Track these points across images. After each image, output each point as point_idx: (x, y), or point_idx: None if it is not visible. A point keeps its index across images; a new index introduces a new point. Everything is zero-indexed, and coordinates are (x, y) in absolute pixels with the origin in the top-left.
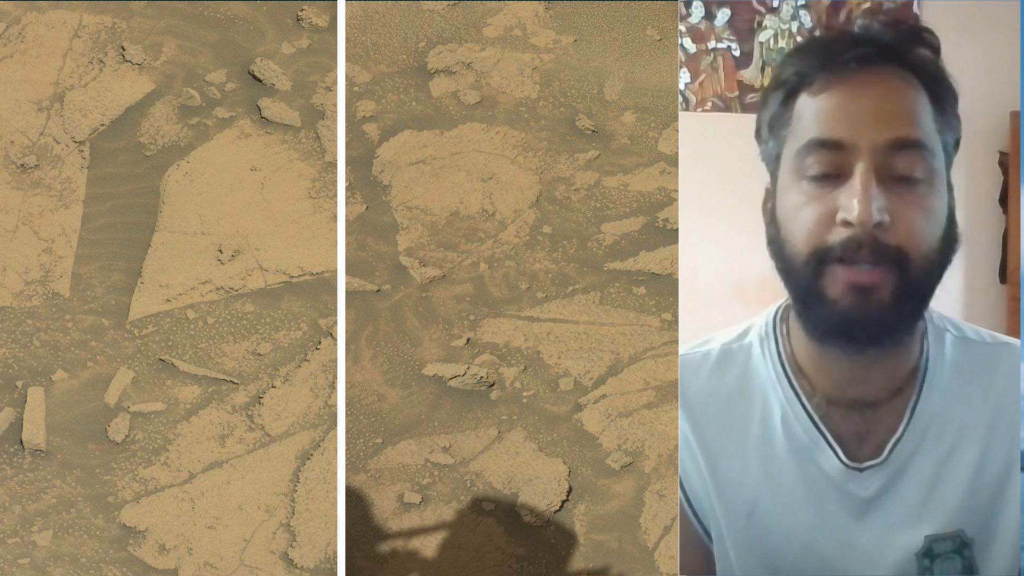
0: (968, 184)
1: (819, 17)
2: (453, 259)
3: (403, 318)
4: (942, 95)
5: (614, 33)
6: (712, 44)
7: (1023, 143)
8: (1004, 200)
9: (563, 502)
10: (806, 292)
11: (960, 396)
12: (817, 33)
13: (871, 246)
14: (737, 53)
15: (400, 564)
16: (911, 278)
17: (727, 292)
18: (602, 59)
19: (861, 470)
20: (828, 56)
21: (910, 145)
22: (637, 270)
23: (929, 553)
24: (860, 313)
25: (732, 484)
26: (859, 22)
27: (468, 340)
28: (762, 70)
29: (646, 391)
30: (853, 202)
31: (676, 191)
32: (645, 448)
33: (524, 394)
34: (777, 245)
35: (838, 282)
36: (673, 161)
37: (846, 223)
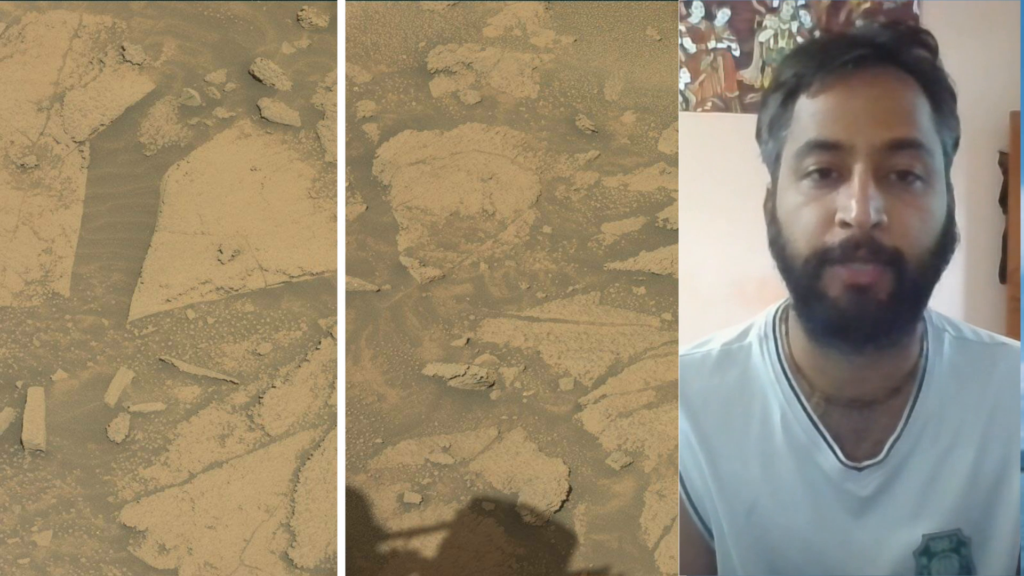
0: (968, 184)
1: (819, 17)
2: (453, 259)
3: (403, 318)
4: (940, 95)
5: (614, 33)
6: (712, 44)
7: (1023, 143)
8: (1004, 200)
9: (563, 502)
10: (806, 292)
11: (958, 396)
12: (817, 33)
13: (869, 246)
14: (737, 53)
15: (400, 564)
16: (909, 278)
17: (727, 292)
18: (602, 59)
19: (859, 469)
20: (825, 58)
21: (908, 145)
22: (637, 270)
23: (927, 551)
24: (859, 312)
25: (732, 483)
26: (857, 23)
27: (468, 340)
28: (762, 70)
29: (646, 391)
30: (851, 203)
31: (676, 191)
32: (645, 448)
33: (524, 394)
34: (778, 246)
35: (838, 282)
36: (673, 161)
37: (844, 224)
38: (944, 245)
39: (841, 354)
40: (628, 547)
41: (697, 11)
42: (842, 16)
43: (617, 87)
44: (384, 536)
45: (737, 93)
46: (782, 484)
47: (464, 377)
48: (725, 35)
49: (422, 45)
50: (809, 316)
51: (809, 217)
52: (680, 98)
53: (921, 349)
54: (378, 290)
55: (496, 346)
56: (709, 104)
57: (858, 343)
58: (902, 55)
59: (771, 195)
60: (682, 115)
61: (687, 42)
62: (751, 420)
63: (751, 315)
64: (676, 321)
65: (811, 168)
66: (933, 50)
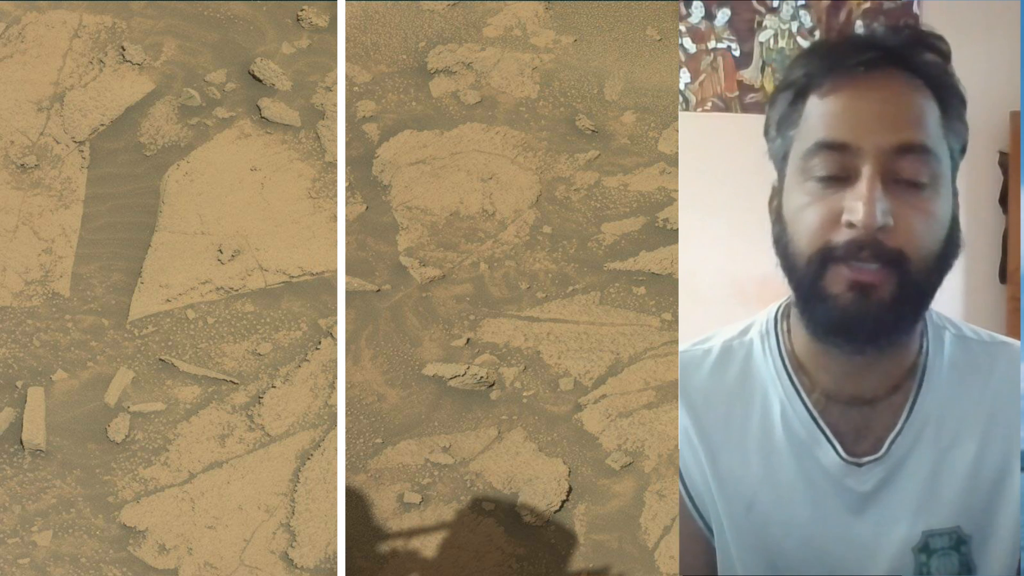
0: (968, 184)
1: (819, 17)
2: (453, 259)
3: (403, 318)
4: (949, 100)
5: (614, 33)
6: (712, 44)
7: (1023, 143)
8: (1004, 200)
9: (563, 502)
10: (808, 290)
11: (958, 394)
12: (817, 33)
13: (873, 248)
14: (737, 53)
15: (400, 564)
16: (911, 280)
17: (727, 292)
18: (602, 59)
19: (859, 465)
20: (836, 59)
21: (915, 149)
22: (637, 270)
23: (926, 548)
24: (860, 311)
25: (732, 478)
26: (862, 23)
27: (468, 340)
28: (762, 70)
29: (646, 391)
30: (858, 205)
31: (676, 191)
32: (645, 448)
33: (524, 394)
34: (782, 243)
35: (840, 280)
36: (673, 161)
37: (850, 225)
38: (948, 250)
39: (842, 352)
40: (628, 547)
41: (697, 11)
42: (842, 16)
43: (617, 87)
44: (384, 536)
45: (737, 93)
46: (782, 480)
47: (464, 377)
48: (725, 35)
49: (422, 45)
50: (811, 315)
51: (814, 217)
52: (680, 98)
53: (921, 347)
54: (378, 290)
55: (496, 346)
56: (709, 104)
57: (859, 343)
58: (913, 59)
59: (777, 193)
60: (682, 115)
61: (687, 42)
62: (751, 416)
63: (751, 315)
64: (676, 321)
65: (818, 168)
66: (945, 55)
